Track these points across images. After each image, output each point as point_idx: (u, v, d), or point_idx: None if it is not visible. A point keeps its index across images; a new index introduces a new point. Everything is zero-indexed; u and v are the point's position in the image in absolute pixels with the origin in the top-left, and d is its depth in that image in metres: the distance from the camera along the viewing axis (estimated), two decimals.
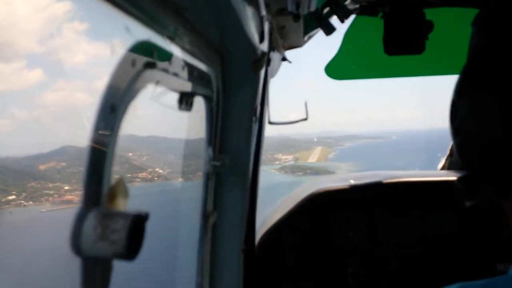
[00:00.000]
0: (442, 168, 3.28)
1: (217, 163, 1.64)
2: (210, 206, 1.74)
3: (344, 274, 2.64)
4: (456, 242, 2.59)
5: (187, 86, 1.18)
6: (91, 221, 0.66)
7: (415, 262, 2.59)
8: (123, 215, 0.67)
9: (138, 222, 0.68)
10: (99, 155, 0.69)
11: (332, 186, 2.74)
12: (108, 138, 0.70)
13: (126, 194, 0.76)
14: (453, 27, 2.27)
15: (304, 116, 2.02)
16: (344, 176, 3.03)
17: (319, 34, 2.10)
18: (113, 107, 0.69)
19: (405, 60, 2.15)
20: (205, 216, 1.72)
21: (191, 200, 1.84)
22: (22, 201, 2.23)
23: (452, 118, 0.90)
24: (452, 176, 2.81)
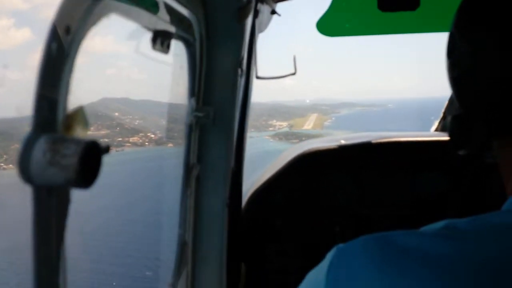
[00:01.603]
0: (435, 131, 3.26)
1: (200, 114, 1.61)
2: (193, 158, 1.73)
3: (331, 235, 2.65)
4: (444, 202, 2.60)
5: (164, 27, 1.14)
6: (40, 146, 0.63)
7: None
8: (76, 141, 0.65)
9: (92, 149, 0.66)
10: (52, 79, 0.66)
11: (321, 146, 2.72)
12: (62, 62, 0.67)
13: (85, 124, 0.74)
14: None
15: (293, 71, 1.98)
16: (335, 137, 3.01)
17: None
18: (68, 29, 0.66)
19: (398, 16, 2.10)
20: (188, 168, 1.71)
21: (175, 153, 1.82)
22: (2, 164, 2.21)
23: (449, 52, 0.89)
24: (443, 137, 2.80)
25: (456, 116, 0.90)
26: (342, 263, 0.73)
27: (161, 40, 1.12)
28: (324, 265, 0.75)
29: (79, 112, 0.73)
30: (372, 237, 0.74)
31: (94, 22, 0.73)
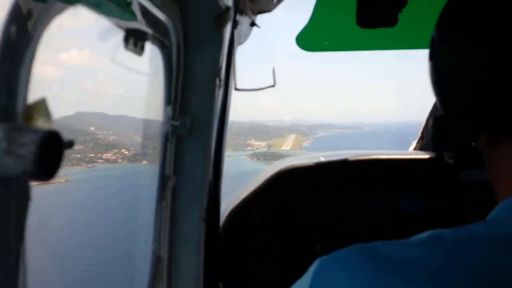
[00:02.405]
0: (414, 150, 3.27)
1: (177, 123, 1.57)
2: (169, 170, 1.68)
3: (311, 253, 2.61)
4: (424, 220, 2.59)
5: (137, 26, 1.11)
6: None
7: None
8: (34, 130, 0.60)
9: (51, 139, 0.61)
10: (11, 66, 0.62)
11: (301, 163, 2.71)
12: (24, 49, 0.63)
13: (47, 115, 0.69)
14: (425, 1, 2.25)
15: (272, 83, 1.96)
16: (314, 155, 3.00)
17: (291, 1, 2.04)
18: (30, 13, 0.62)
19: (377, 33, 2.12)
20: (163, 180, 1.66)
21: (150, 170, 1.78)
22: None
23: (431, 54, 0.90)
24: (421, 155, 2.81)
25: (438, 118, 0.90)
26: (326, 274, 0.70)
27: (134, 40, 1.09)
28: (307, 277, 0.72)
29: (41, 103, 0.68)
30: (356, 248, 0.71)
31: (60, 10, 0.70)
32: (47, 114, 0.70)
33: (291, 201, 2.63)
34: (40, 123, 0.69)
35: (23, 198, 0.69)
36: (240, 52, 2.07)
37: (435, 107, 2.97)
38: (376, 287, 0.64)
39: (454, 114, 0.86)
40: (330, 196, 2.65)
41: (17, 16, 0.63)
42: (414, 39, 2.36)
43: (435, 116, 0.91)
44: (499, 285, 0.63)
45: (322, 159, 2.78)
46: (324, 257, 0.72)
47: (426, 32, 2.36)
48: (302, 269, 0.78)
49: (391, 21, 2.02)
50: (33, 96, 0.69)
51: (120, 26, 1.05)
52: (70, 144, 0.70)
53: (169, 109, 1.54)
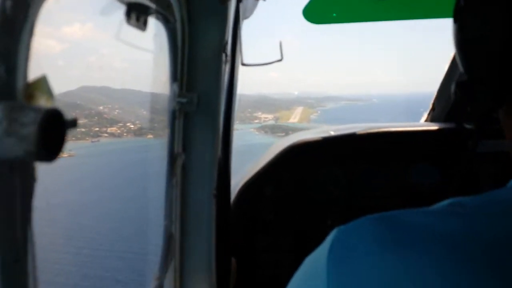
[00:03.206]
0: (425, 121, 3.24)
1: (184, 100, 1.56)
2: (178, 147, 1.68)
3: (323, 227, 2.62)
4: (437, 192, 2.57)
5: (140, 1, 1.09)
6: None
7: None
8: (35, 108, 0.59)
9: (53, 118, 0.60)
10: (9, 42, 0.60)
11: (311, 137, 2.69)
12: (22, 23, 0.61)
13: (49, 93, 0.68)
14: None
15: (279, 57, 1.93)
16: (325, 129, 2.98)
17: None
18: None
19: (386, 3, 2.07)
20: (172, 158, 1.65)
21: (157, 144, 1.77)
22: None
23: (455, 17, 0.87)
24: (433, 127, 2.77)
25: (460, 83, 0.88)
26: (344, 243, 0.69)
27: (136, 14, 1.06)
28: (324, 247, 0.71)
29: (42, 81, 0.67)
30: (375, 217, 0.70)
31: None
32: (48, 92, 0.69)
33: (302, 176, 2.62)
34: (42, 102, 0.68)
35: (29, 180, 0.69)
36: (246, 26, 2.04)
37: (445, 79, 2.92)
38: (396, 255, 0.63)
39: (478, 79, 0.84)
40: (341, 170, 2.65)
41: None
42: (424, 8, 2.30)
43: (457, 81, 0.89)
44: None
45: (332, 133, 2.76)
46: (342, 226, 0.71)
47: (437, 1, 2.30)
48: (313, 243, 0.78)
49: None
50: (35, 71, 0.68)
51: (121, 0, 1.03)
52: (73, 123, 0.69)
53: (175, 86, 1.53)
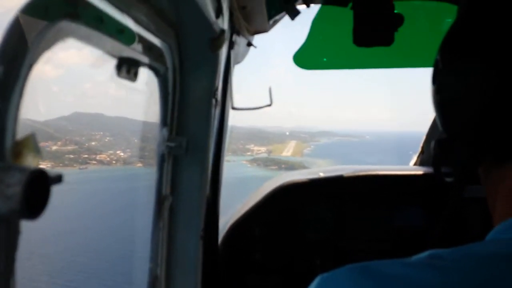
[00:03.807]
0: (414, 165, 3.27)
1: (172, 144, 1.59)
2: (166, 190, 1.69)
3: (311, 268, 2.61)
4: (424, 236, 2.58)
5: (130, 54, 1.13)
6: None
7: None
8: (20, 169, 0.61)
9: (38, 179, 0.62)
10: None
11: (301, 178, 2.71)
12: (12, 86, 0.64)
13: (36, 151, 0.71)
14: (422, 20, 2.27)
15: (268, 102, 1.98)
16: (314, 170, 3.00)
17: (286, 21, 2.06)
18: (16, 53, 0.63)
19: (374, 51, 2.13)
20: (160, 200, 1.67)
21: (146, 174, 1.78)
22: None
23: (434, 78, 0.90)
24: (422, 171, 2.80)
25: (439, 140, 0.91)
26: None
27: (127, 67, 1.10)
28: None
29: (30, 139, 0.70)
30: (356, 266, 0.72)
31: (48, 46, 0.71)
32: (36, 150, 0.71)
33: (291, 216, 2.63)
34: (29, 160, 0.70)
35: (13, 233, 0.70)
36: (238, 68, 2.10)
37: (434, 122, 2.98)
38: None
39: (456, 138, 0.87)
40: (330, 212, 2.66)
41: (4, 54, 0.64)
42: (411, 58, 2.38)
43: (437, 139, 0.92)
44: None
45: (322, 174, 2.79)
46: (324, 274, 0.73)
47: (422, 51, 2.38)
48: (302, 283, 0.80)
49: (387, 40, 2.04)
50: (30, 96, 0.70)
51: (112, 55, 1.06)
52: (58, 179, 0.71)
53: (165, 130, 1.56)
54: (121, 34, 1.03)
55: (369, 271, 0.70)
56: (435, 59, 0.90)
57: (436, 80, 0.89)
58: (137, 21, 1.15)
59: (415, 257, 0.74)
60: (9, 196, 0.60)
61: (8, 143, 0.66)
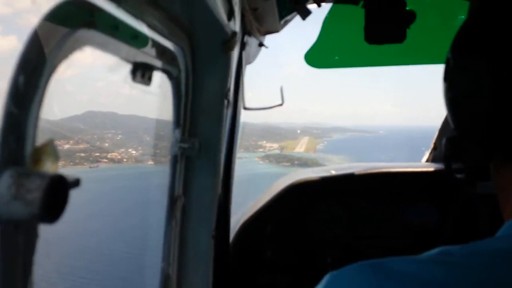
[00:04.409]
0: (426, 161, 3.27)
1: (185, 145, 1.61)
2: (178, 190, 1.72)
3: (323, 266, 2.62)
4: (436, 233, 2.58)
5: (145, 59, 1.15)
6: (5, 180, 0.63)
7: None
8: (40, 175, 0.64)
9: (57, 184, 0.65)
10: (19, 112, 0.66)
11: (312, 176, 2.73)
12: (32, 94, 0.67)
13: (55, 157, 0.73)
14: (434, 17, 2.26)
15: (280, 102, 2.00)
16: (325, 168, 3.01)
17: (298, 20, 2.07)
18: (37, 61, 0.66)
19: (386, 49, 2.13)
20: (172, 200, 1.69)
21: (160, 183, 1.80)
22: None
23: (445, 76, 0.91)
24: (433, 168, 2.80)
25: (451, 138, 0.91)
26: None
27: (141, 72, 1.12)
28: None
29: (49, 145, 0.72)
30: (366, 263, 0.73)
31: (66, 55, 0.74)
32: (54, 156, 0.73)
33: (302, 214, 2.65)
34: (48, 165, 0.72)
35: (32, 237, 0.73)
36: (250, 68, 2.11)
37: (447, 119, 2.97)
38: None
39: (467, 136, 0.87)
40: (342, 209, 2.67)
41: (25, 62, 0.67)
42: (423, 55, 2.37)
43: (448, 137, 0.92)
44: None
45: (333, 172, 2.80)
46: (334, 272, 0.74)
47: (434, 47, 2.37)
48: (313, 282, 0.81)
49: (399, 38, 2.03)
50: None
51: (127, 60, 1.08)
52: (76, 183, 0.73)
53: (178, 131, 1.58)
54: (136, 39, 1.05)
55: (379, 268, 0.71)
56: (447, 56, 0.91)
57: (448, 77, 0.90)
58: (151, 26, 1.17)
59: (426, 254, 0.75)
60: (29, 201, 0.62)
61: (28, 149, 0.68)
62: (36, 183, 0.63)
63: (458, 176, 1.00)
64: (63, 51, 0.72)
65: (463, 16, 2.26)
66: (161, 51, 1.29)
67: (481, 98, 0.81)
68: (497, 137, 0.81)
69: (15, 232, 0.69)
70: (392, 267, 0.71)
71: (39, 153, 0.71)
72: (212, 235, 1.83)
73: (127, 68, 1.12)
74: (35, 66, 0.67)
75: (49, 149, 0.72)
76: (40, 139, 0.72)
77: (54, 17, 0.68)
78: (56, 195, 0.66)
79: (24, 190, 0.63)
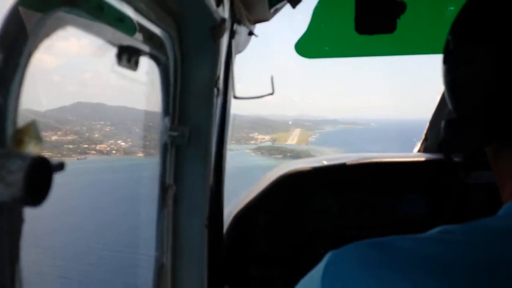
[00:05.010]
0: (418, 152, 3.27)
1: (175, 134, 1.60)
2: (169, 179, 1.71)
3: (316, 256, 2.62)
4: (427, 224, 2.59)
5: (131, 43, 1.14)
6: None
7: None
8: (23, 156, 0.62)
9: (39, 166, 0.63)
10: None
11: (304, 167, 2.72)
12: (12, 74, 0.65)
13: (38, 138, 0.72)
14: (424, 7, 2.25)
15: (270, 91, 1.98)
16: (317, 158, 3.01)
17: (288, 8, 2.06)
18: (16, 40, 0.64)
19: (376, 39, 2.12)
20: (163, 189, 1.68)
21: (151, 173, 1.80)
22: None
23: (445, 58, 0.90)
24: (425, 158, 2.80)
25: (449, 121, 0.91)
26: (336, 267, 0.72)
27: (127, 56, 1.11)
28: (319, 269, 0.75)
29: (31, 126, 0.71)
30: (367, 241, 0.74)
31: (47, 35, 0.72)
32: (37, 137, 0.72)
33: (294, 205, 2.64)
34: (30, 147, 0.71)
35: (17, 220, 0.71)
36: (240, 58, 2.10)
37: (438, 110, 2.97)
38: (383, 278, 0.66)
39: (466, 118, 0.87)
40: (333, 200, 2.66)
41: (2, 43, 0.65)
42: (413, 45, 2.36)
43: (447, 119, 0.92)
44: (505, 277, 0.64)
45: (325, 163, 2.79)
46: (335, 251, 0.74)
47: (425, 38, 2.36)
48: (305, 272, 0.80)
49: (389, 28, 2.03)
50: (31, 86, 0.71)
51: (113, 44, 1.07)
52: (60, 167, 0.72)
53: (167, 119, 1.57)
54: (122, 23, 1.04)
55: (379, 245, 0.72)
56: (446, 39, 0.90)
57: (447, 60, 0.89)
58: (137, 10, 1.15)
59: (426, 233, 0.76)
60: (10, 182, 0.61)
61: (9, 130, 0.67)
62: (17, 164, 0.61)
63: (455, 159, 0.99)
64: (44, 30, 0.70)
65: (453, 7, 2.25)
66: (148, 36, 1.27)
67: (481, 81, 0.81)
68: (496, 120, 0.81)
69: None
70: (392, 244, 0.71)
71: (21, 134, 0.69)
72: (205, 224, 1.82)
73: (113, 53, 1.11)
74: (14, 44, 0.65)
75: (31, 131, 0.71)
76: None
77: None
78: (39, 177, 0.64)
79: (5, 171, 0.61)
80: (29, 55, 0.68)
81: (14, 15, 0.65)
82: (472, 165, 2.35)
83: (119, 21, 1.03)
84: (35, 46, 0.69)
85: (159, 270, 1.80)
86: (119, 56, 1.09)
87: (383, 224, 2.64)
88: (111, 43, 1.07)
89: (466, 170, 2.42)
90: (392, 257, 0.68)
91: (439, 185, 2.62)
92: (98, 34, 0.98)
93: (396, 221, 2.64)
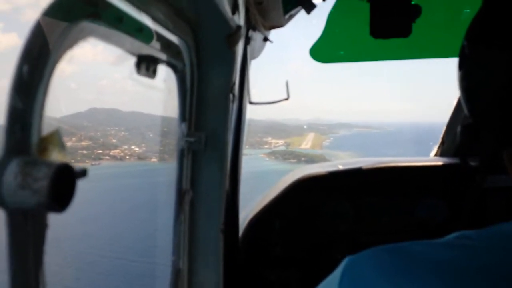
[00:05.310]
0: (435, 156, 3.25)
1: (191, 140, 1.62)
2: (186, 184, 1.73)
3: (332, 261, 2.62)
4: (444, 229, 2.57)
5: (149, 52, 1.16)
6: (12, 169, 0.63)
7: None
8: (48, 163, 0.65)
9: (64, 173, 0.65)
10: (25, 102, 0.67)
11: (319, 171, 2.72)
12: (37, 84, 0.67)
13: (61, 146, 0.74)
14: (440, 11, 2.25)
15: (285, 96, 2.00)
16: (333, 163, 3.01)
17: (303, 14, 2.07)
18: (41, 51, 0.67)
19: (391, 43, 2.12)
20: (180, 194, 1.70)
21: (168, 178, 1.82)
22: None
23: (460, 64, 0.89)
24: (442, 162, 2.78)
25: (465, 126, 0.91)
26: (353, 273, 0.73)
27: (146, 65, 1.13)
28: (336, 274, 0.76)
29: (55, 134, 0.73)
30: (383, 247, 0.74)
31: (71, 45, 0.74)
32: (61, 145, 0.74)
33: (310, 210, 2.64)
34: (54, 155, 0.73)
35: (42, 227, 0.74)
36: (255, 63, 2.12)
37: (454, 113, 2.95)
38: (399, 285, 0.67)
39: (482, 124, 0.86)
40: (349, 204, 2.66)
41: (29, 53, 0.68)
42: (429, 48, 2.36)
43: (463, 124, 0.91)
44: None
45: (340, 167, 2.79)
46: (352, 256, 0.75)
47: (440, 41, 2.36)
48: (322, 277, 0.81)
49: (405, 32, 2.02)
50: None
51: (132, 53, 1.09)
52: (83, 174, 0.74)
53: (184, 125, 1.59)
54: (140, 32, 1.06)
55: (396, 251, 0.72)
56: (462, 44, 0.89)
57: (463, 66, 0.89)
58: (155, 19, 1.18)
59: (443, 238, 0.76)
60: (36, 189, 0.63)
61: (35, 138, 0.69)
62: (42, 171, 0.64)
63: (472, 164, 0.99)
64: (67, 42, 0.73)
65: (469, 10, 2.24)
66: (166, 45, 1.29)
67: (497, 86, 0.80)
68: (510, 126, 0.80)
69: (24, 222, 0.70)
70: (409, 250, 0.71)
71: (45, 142, 0.72)
72: (221, 229, 1.83)
73: (132, 62, 1.13)
74: (39, 56, 0.67)
75: (55, 139, 0.73)
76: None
77: (57, 7, 0.69)
78: (63, 184, 0.66)
79: (31, 179, 0.63)
80: (53, 65, 0.70)
81: (38, 28, 0.67)
82: (488, 169, 2.33)
83: (138, 30, 1.06)
84: (58, 56, 0.72)
85: (176, 274, 1.81)
86: (138, 65, 1.11)
87: (399, 229, 2.62)
88: (130, 52, 1.10)
89: (483, 174, 2.40)
90: (409, 263, 0.69)
91: (456, 189, 2.60)
92: (117, 43, 1.00)
93: (413, 225, 2.62)
